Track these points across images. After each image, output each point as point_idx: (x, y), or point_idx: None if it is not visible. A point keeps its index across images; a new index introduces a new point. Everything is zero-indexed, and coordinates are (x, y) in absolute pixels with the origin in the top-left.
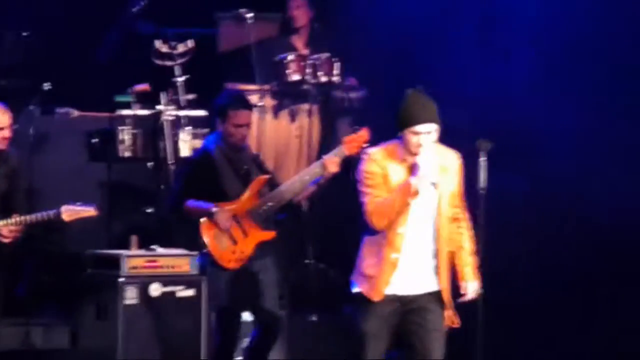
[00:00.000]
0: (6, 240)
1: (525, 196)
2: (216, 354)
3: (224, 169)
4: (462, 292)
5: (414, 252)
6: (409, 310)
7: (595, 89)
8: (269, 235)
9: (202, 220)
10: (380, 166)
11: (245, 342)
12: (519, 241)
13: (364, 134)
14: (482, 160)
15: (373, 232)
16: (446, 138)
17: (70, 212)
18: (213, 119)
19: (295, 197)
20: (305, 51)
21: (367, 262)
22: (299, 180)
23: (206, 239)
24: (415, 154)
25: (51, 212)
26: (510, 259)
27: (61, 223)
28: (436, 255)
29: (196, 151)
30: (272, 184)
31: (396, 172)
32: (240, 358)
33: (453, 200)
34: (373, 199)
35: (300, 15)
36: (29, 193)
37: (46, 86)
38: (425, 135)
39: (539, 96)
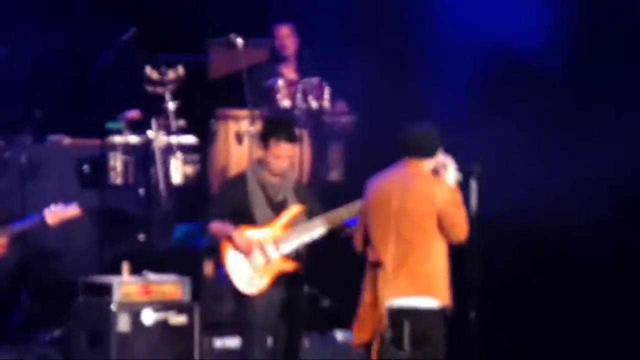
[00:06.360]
0: None
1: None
2: None
3: (255, 195)
4: None
5: None
6: None
7: None
8: (292, 266)
9: (223, 241)
10: None
11: None
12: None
13: None
14: (474, 184)
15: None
16: None
17: (53, 215)
18: (204, 144)
19: (331, 233)
20: (295, 77)
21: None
22: (334, 216)
23: (225, 259)
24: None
25: (35, 219)
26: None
27: (48, 228)
28: None
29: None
30: (311, 215)
31: None
32: None
33: None
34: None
35: (288, 45)
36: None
37: (37, 114)
38: None
39: None
